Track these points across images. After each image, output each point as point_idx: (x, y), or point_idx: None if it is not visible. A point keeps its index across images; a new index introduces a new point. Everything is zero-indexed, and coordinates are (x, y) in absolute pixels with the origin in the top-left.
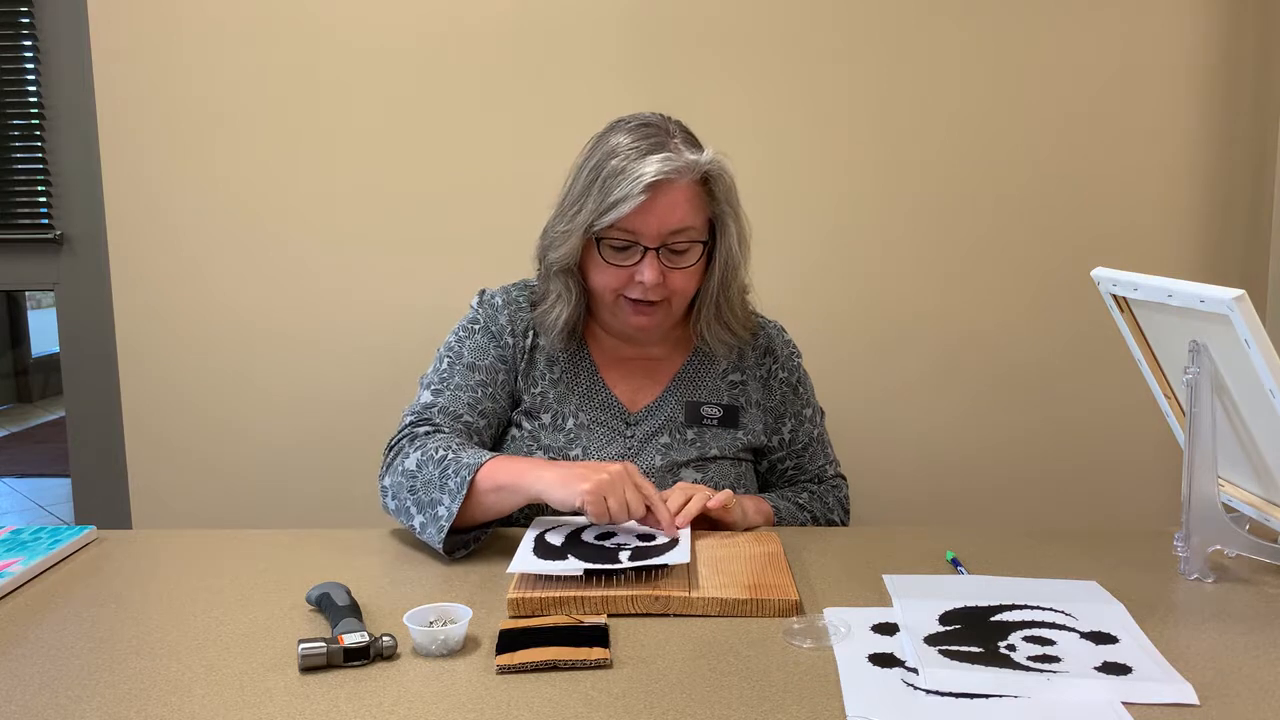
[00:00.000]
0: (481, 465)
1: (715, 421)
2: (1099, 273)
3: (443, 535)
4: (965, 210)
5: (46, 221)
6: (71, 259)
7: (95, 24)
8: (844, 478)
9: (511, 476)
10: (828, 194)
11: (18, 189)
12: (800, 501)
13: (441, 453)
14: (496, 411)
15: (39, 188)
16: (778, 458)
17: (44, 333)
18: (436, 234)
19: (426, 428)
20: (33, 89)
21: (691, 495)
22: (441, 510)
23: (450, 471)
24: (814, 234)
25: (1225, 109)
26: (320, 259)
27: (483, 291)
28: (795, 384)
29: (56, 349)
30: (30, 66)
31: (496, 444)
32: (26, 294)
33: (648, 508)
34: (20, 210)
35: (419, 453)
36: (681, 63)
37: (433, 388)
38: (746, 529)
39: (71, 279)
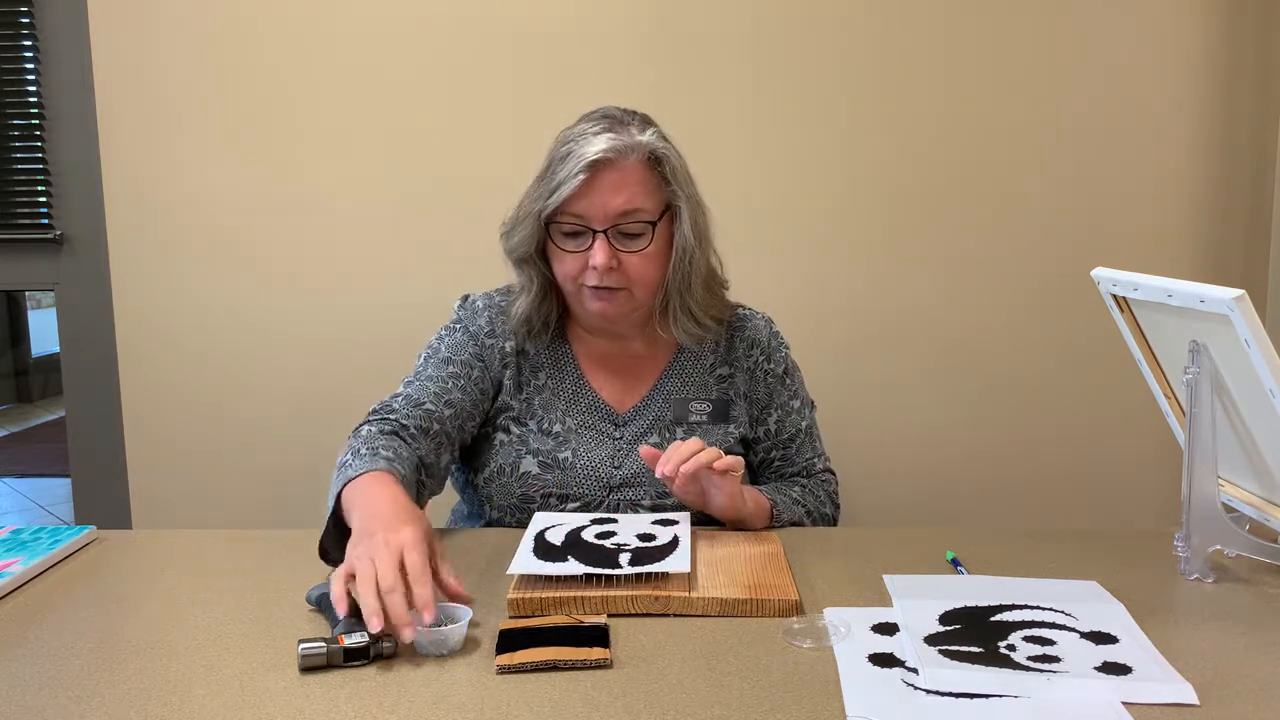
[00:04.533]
0: (351, 480)
1: (705, 417)
2: (1099, 273)
3: (320, 539)
4: (966, 210)
5: (46, 221)
6: (71, 259)
7: (95, 24)
8: (833, 472)
9: (351, 505)
10: (826, 195)
11: (18, 189)
12: (794, 495)
13: (348, 456)
14: (465, 404)
15: (39, 188)
16: (764, 448)
17: (44, 333)
18: (438, 234)
19: (375, 419)
20: (33, 89)
21: (702, 449)
22: (326, 515)
23: (339, 480)
24: (815, 235)
25: (1225, 109)
26: (321, 259)
27: (465, 296)
28: (782, 375)
29: (56, 349)
30: (30, 66)
31: (468, 439)
32: (26, 294)
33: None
34: (20, 210)
35: (347, 447)
36: (680, 64)
37: (405, 380)
38: (741, 524)
39: (71, 279)
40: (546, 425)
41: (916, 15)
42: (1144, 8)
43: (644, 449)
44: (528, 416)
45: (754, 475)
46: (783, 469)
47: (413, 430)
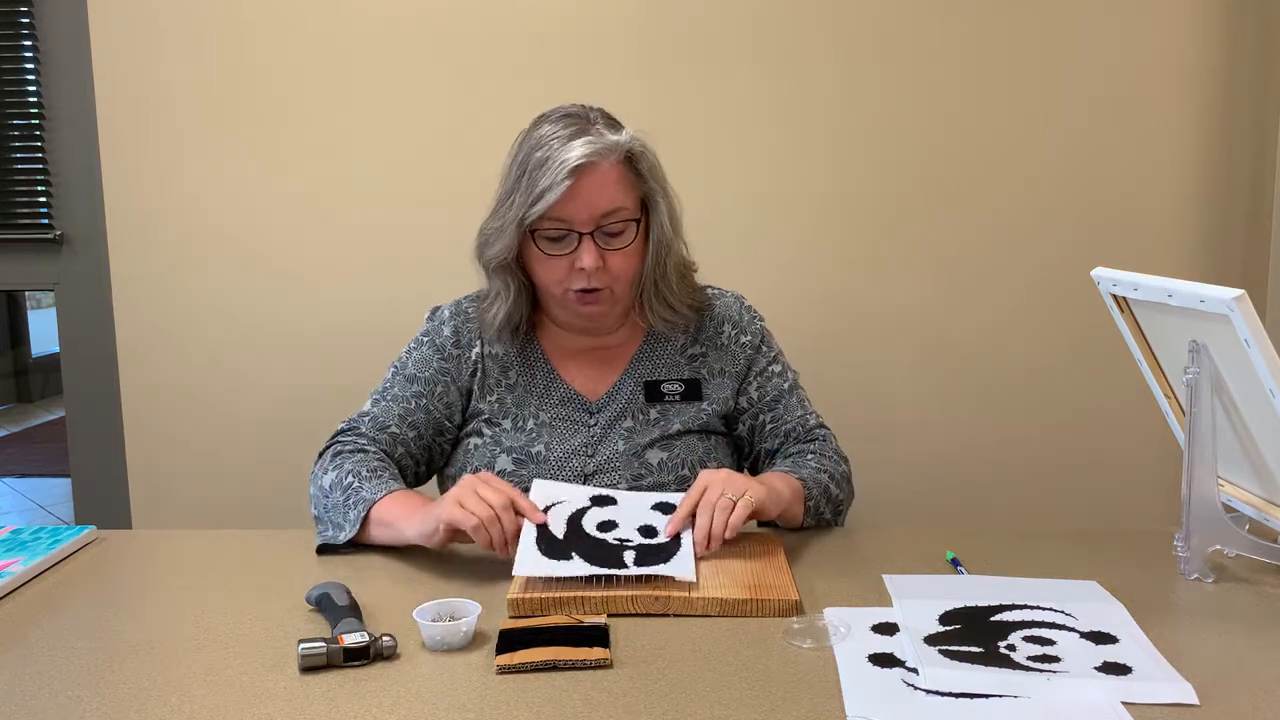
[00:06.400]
0: (376, 501)
1: (677, 397)
2: (1099, 273)
3: (326, 544)
4: (965, 209)
5: (46, 221)
6: (71, 259)
7: (95, 24)
8: (826, 427)
9: (391, 517)
10: (822, 193)
11: (18, 189)
12: (812, 466)
13: (349, 479)
14: (430, 423)
15: (39, 188)
16: (750, 414)
17: (44, 333)
18: (438, 233)
19: (349, 442)
20: (33, 89)
21: (713, 511)
22: (342, 535)
23: (352, 502)
24: (810, 232)
25: (1225, 109)
26: (321, 258)
27: (435, 308)
28: (758, 344)
29: (56, 349)
30: (30, 66)
31: (439, 454)
32: (26, 294)
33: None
34: (20, 210)
35: (335, 472)
36: (673, 63)
37: (373, 398)
38: (785, 514)
39: (71, 279)
40: (520, 422)
41: (913, 13)
42: (1143, 8)
43: (669, 528)
44: (501, 416)
45: (749, 445)
46: (776, 430)
47: (378, 454)
